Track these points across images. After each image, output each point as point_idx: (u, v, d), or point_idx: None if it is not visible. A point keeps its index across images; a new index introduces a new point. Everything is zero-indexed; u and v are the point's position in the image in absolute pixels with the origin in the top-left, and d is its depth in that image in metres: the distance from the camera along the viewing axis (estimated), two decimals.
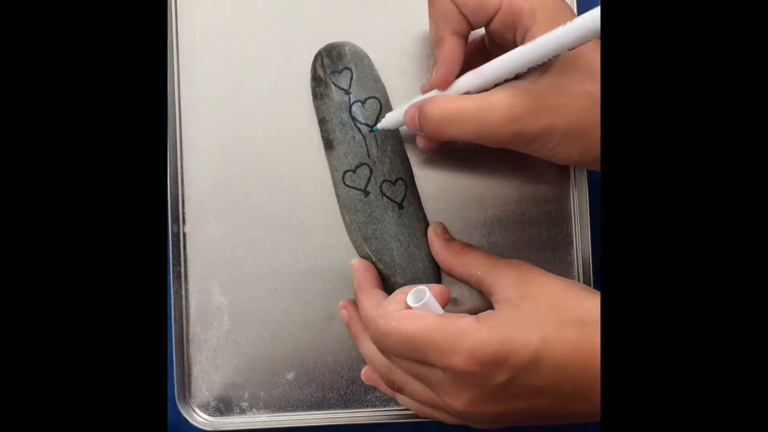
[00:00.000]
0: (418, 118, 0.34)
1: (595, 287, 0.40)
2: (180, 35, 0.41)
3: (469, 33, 0.34)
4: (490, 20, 0.33)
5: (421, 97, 0.36)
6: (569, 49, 0.31)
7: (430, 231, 0.39)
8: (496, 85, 0.33)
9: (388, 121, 0.38)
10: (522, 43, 0.32)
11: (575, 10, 0.40)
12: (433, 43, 0.34)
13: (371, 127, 0.39)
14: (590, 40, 0.30)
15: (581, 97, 0.32)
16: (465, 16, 0.33)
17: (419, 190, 0.40)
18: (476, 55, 0.37)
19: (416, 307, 0.33)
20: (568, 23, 0.30)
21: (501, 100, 0.32)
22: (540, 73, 0.32)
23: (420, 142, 0.38)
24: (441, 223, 0.39)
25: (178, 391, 0.40)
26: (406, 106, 0.36)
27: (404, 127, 0.36)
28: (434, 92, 0.35)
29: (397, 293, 0.35)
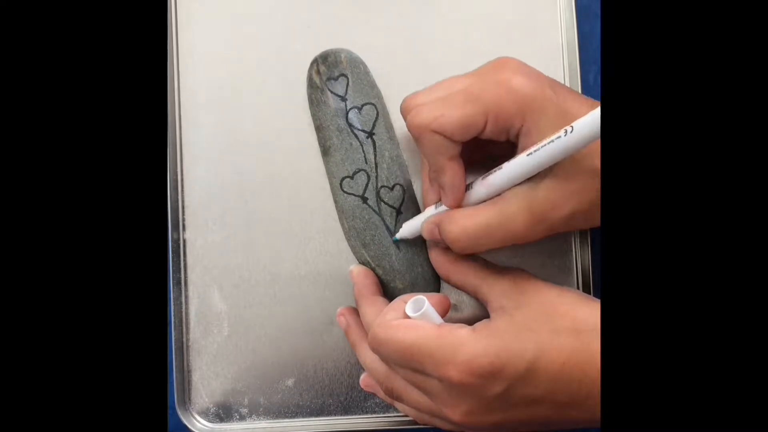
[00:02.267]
0: (440, 233, 0.35)
1: (594, 295, 0.40)
2: (180, 42, 0.41)
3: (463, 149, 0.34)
4: (481, 133, 0.33)
5: (431, 210, 0.36)
6: (573, 152, 0.31)
7: None
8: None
9: (406, 231, 0.38)
10: (517, 139, 0.33)
11: (575, 23, 0.40)
12: (433, 170, 0.34)
13: (368, 133, 0.39)
14: (593, 142, 0.30)
15: (592, 176, 0.32)
16: (455, 141, 0.33)
17: (417, 195, 0.40)
18: (472, 149, 0.36)
19: (414, 317, 0.33)
20: (569, 131, 0.30)
21: (521, 207, 0.33)
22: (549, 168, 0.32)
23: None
24: None
25: (177, 397, 0.40)
26: (421, 219, 0.37)
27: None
28: (443, 206, 0.36)
29: (396, 302, 0.35)
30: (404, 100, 0.35)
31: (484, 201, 0.34)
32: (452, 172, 0.34)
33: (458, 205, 0.35)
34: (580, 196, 0.32)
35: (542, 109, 0.32)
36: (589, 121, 0.29)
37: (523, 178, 0.33)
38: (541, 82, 0.33)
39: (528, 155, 0.32)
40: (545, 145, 0.31)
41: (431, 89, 0.35)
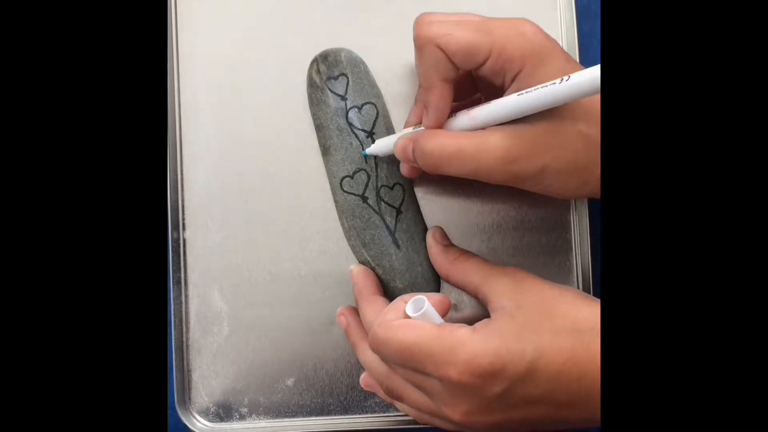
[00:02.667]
0: (413, 150, 0.34)
1: (594, 294, 0.40)
2: (180, 42, 0.41)
3: (457, 78, 0.34)
4: (480, 66, 0.33)
5: (409, 130, 0.36)
6: (564, 103, 0.31)
7: (429, 236, 0.39)
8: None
9: (378, 147, 0.38)
10: (509, 85, 0.33)
11: (575, 22, 0.40)
12: (423, 88, 0.34)
13: (368, 132, 0.39)
14: (587, 97, 0.30)
15: (575, 138, 0.32)
16: (454, 64, 0.33)
17: (417, 194, 0.40)
18: (463, 84, 0.36)
19: (415, 317, 0.33)
20: (564, 80, 0.30)
21: (497, 143, 0.32)
22: (535, 115, 0.32)
23: (405, 169, 0.38)
24: (440, 227, 0.39)
25: (177, 396, 0.40)
26: (396, 137, 0.36)
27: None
28: (422, 128, 0.35)
29: (397, 301, 0.35)
30: (420, 15, 0.35)
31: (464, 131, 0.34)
32: (440, 92, 0.34)
33: (439, 126, 0.34)
34: (559, 152, 0.32)
35: (544, 60, 0.32)
36: (586, 75, 0.29)
37: (508, 119, 0.32)
38: (553, 41, 0.33)
39: (518, 95, 0.32)
40: (538, 88, 0.31)
41: (449, 14, 0.35)
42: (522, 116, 0.32)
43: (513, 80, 0.33)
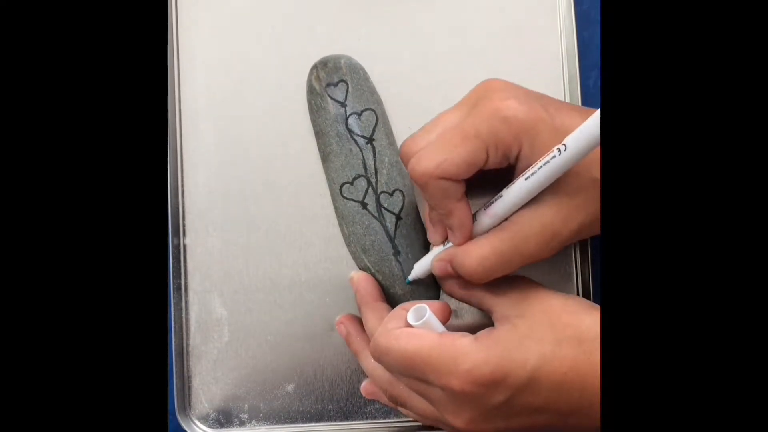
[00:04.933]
0: (452, 268, 0.34)
1: (594, 301, 0.39)
2: (180, 48, 0.41)
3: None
4: (484, 166, 0.33)
5: (440, 249, 0.36)
6: (570, 168, 0.31)
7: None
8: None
9: (416, 273, 0.38)
10: (516, 162, 0.33)
11: (574, 28, 0.40)
12: (438, 213, 0.34)
13: (368, 139, 0.39)
14: (587, 155, 0.30)
15: (594, 186, 0.32)
16: (461, 182, 0.33)
17: (417, 200, 0.40)
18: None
19: (417, 326, 0.33)
20: (562, 150, 0.30)
21: (532, 229, 0.33)
22: (551, 185, 0.32)
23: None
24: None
25: (177, 402, 0.40)
26: (431, 257, 0.36)
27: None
28: (449, 243, 0.35)
29: (398, 309, 0.35)
30: (402, 146, 0.35)
31: (489, 230, 0.34)
32: (460, 212, 0.33)
33: (468, 240, 0.34)
34: (586, 208, 0.33)
35: (536, 131, 0.32)
36: (580, 136, 0.30)
37: (525, 202, 0.33)
38: (530, 102, 0.32)
39: (526, 179, 0.32)
40: (541, 166, 0.31)
41: (425, 130, 0.34)
42: (536, 194, 0.32)
43: (517, 159, 0.33)
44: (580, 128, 0.30)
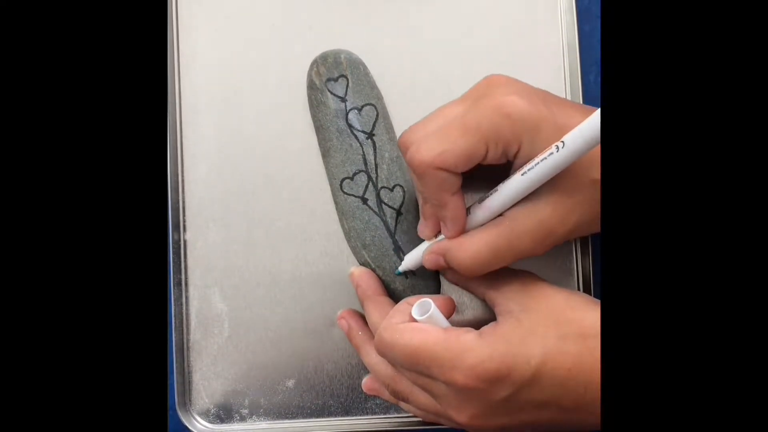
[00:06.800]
0: (444, 261, 0.34)
1: (594, 296, 0.39)
2: (181, 44, 0.41)
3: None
4: (483, 160, 0.33)
5: (432, 242, 0.36)
6: (568, 165, 0.31)
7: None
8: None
9: (407, 264, 0.38)
10: (515, 159, 0.33)
11: (575, 23, 0.40)
12: (433, 205, 0.34)
13: (368, 134, 0.39)
14: (587, 153, 0.30)
15: (592, 187, 0.32)
16: (458, 174, 0.33)
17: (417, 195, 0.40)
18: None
19: (421, 320, 0.33)
20: (560, 147, 0.30)
21: (527, 225, 0.33)
22: (549, 181, 0.32)
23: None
24: None
25: (178, 398, 0.40)
26: (422, 250, 0.36)
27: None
28: (440, 236, 0.35)
29: (402, 304, 0.35)
30: (401, 136, 0.34)
31: (483, 224, 0.34)
32: (454, 205, 0.33)
33: (461, 233, 0.34)
34: (582, 207, 0.32)
35: (537, 129, 0.32)
36: (578, 134, 0.30)
37: (520, 198, 0.33)
38: (533, 99, 0.32)
39: (522, 174, 0.32)
40: (538, 163, 0.31)
41: (426, 121, 0.34)
42: (532, 191, 0.32)
43: (515, 156, 0.33)
44: (579, 126, 0.29)
